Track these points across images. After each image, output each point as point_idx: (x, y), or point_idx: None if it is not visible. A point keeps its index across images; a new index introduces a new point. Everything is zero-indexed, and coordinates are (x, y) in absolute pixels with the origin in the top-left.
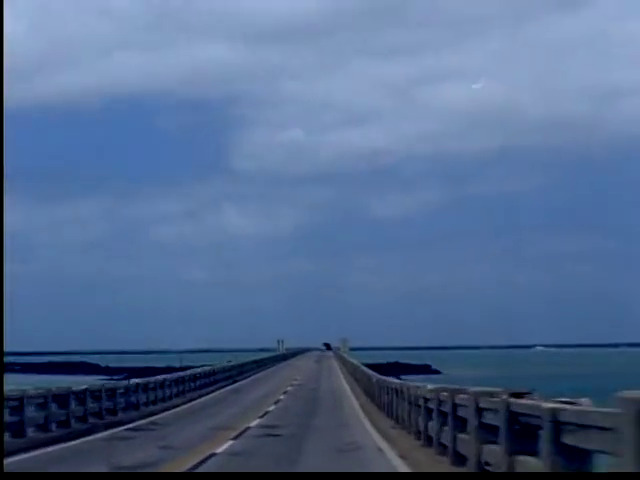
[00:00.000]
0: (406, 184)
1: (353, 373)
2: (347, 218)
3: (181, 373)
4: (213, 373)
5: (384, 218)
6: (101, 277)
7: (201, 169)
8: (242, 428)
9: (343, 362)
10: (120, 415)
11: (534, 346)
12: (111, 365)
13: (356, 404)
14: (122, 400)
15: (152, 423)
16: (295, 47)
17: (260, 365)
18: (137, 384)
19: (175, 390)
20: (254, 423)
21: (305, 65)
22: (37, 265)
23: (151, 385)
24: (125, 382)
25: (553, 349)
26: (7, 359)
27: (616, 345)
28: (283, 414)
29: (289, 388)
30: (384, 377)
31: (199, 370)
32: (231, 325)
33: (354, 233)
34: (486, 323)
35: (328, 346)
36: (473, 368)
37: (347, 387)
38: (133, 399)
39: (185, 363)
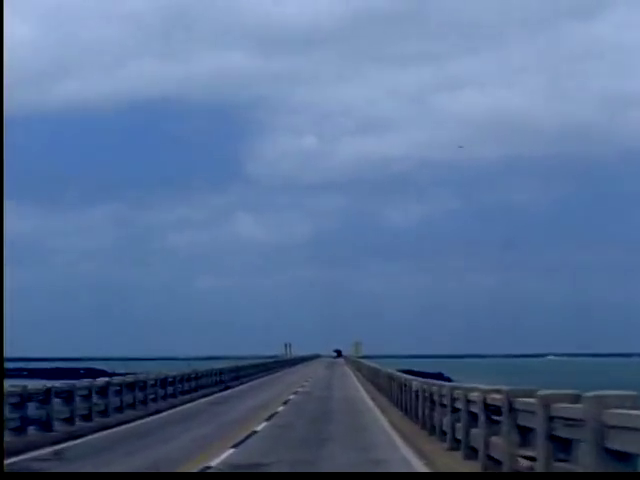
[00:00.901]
0: (420, 192)
1: (373, 379)
2: (360, 226)
3: (141, 376)
4: (196, 377)
5: (397, 226)
6: (111, 284)
7: (215, 176)
8: (199, 467)
9: (357, 367)
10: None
11: (546, 355)
12: (118, 371)
13: (384, 422)
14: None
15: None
16: (311, 54)
17: (262, 370)
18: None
19: (129, 398)
20: (219, 459)
21: (321, 72)
22: (47, 271)
23: (80, 393)
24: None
25: (565, 358)
26: (15, 364)
27: (629, 355)
28: (274, 442)
29: (292, 397)
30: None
31: (174, 373)
32: (242, 332)
33: (367, 241)
34: (498, 332)
35: (339, 353)
36: (485, 376)
37: (366, 397)
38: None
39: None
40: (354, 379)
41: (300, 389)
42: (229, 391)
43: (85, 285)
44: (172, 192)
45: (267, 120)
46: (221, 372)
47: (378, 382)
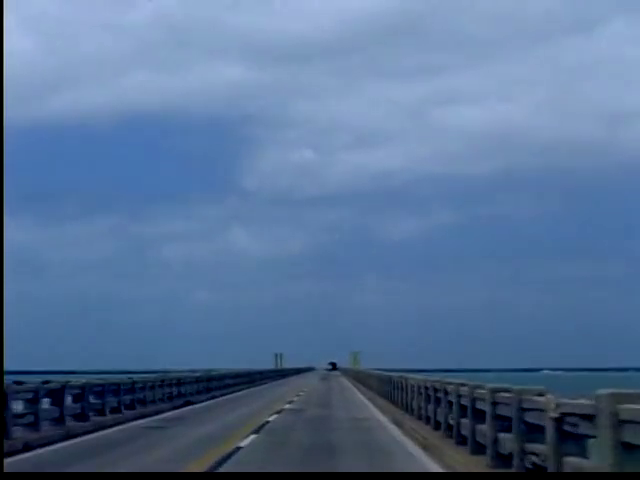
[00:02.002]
0: (417, 207)
1: (382, 389)
2: (357, 239)
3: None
4: (131, 389)
5: (394, 240)
6: (106, 296)
7: (211, 189)
8: None
9: (358, 379)
10: None
11: (541, 369)
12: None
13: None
14: None
15: None
16: (310, 68)
17: (245, 381)
18: None
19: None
20: None
21: (320, 86)
22: (41, 284)
23: None
24: None
25: (560, 372)
26: (12, 377)
27: (625, 369)
28: None
29: (272, 418)
30: None
31: (96, 381)
32: (236, 345)
33: (363, 254)
34: (494, 346)
35: (334, 365)
36: None
37: (384, 418)
38: None
39: None
40: (356, 392)
41: (287, 406)
42: (189, 408)
43: (79, 298)
44: (169, 206)
45: (265, 133)
46: (180, 382)
47: (392, 394)
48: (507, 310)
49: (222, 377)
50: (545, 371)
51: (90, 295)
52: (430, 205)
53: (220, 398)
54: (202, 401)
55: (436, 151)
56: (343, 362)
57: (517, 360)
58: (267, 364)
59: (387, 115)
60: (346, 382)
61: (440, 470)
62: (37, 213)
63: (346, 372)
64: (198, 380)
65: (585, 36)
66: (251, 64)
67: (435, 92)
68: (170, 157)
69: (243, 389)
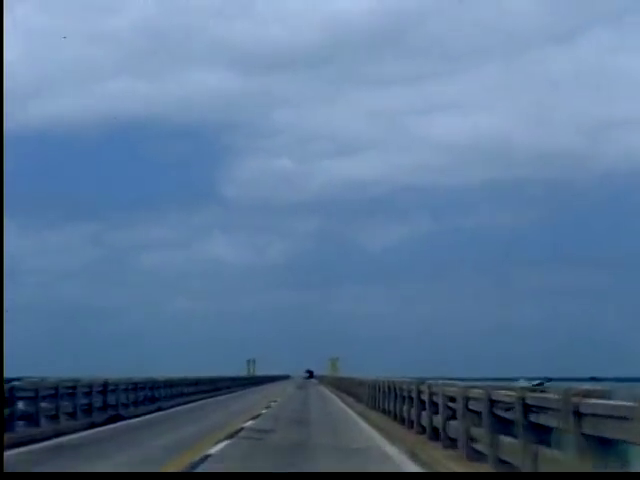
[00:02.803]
0: (396, 215)
1: (372, 399)
2: (335, 248)
3: None
4: (32, 397)
5: (373, 249)
6: (86, 304)
7: (190, 197)
8: None
9: (339, 387)
10: None
11: (517, 379)
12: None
13: None
14: None
15: None
16: (291, 76)
17: (207, 390)
18: None
19: None
20: None
21: (301, 94)
22: (22, 291)
23: None
24: None
25: (536, 382)
26: None
27: (602, 379)
28: None
29: (216, 449)
30: None
31: None
32: (212, 353)
33: (342, 263)
34: (471, 355)
35: (311, 374)
36: None
37: (390, 450)
38: None
39: None
40: (340, 402)
41: (249, 423)
42: (113, 427)
43: (57, 306)
44: (148, 214)
45: (245, 141)
46: (105, 388)
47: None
48: (484, 319)
49: (172, 384)
50: (521, 380)
51: (68, 303)
52: (409, 215)
53: (168, 411)
54: (141, 415)
55: (416, 161)
56: (321, 370)
57: (494, 369)
58: (242, 371)
59: (368, 124)
60: (326, 391)
61: None
62: (17, 221)
63: (324, 379)
64: (137, 387)
65: (567, 46)
66: (233, 72)
67: (416, 101)
68: (150, 165)
69: (204, 398)
